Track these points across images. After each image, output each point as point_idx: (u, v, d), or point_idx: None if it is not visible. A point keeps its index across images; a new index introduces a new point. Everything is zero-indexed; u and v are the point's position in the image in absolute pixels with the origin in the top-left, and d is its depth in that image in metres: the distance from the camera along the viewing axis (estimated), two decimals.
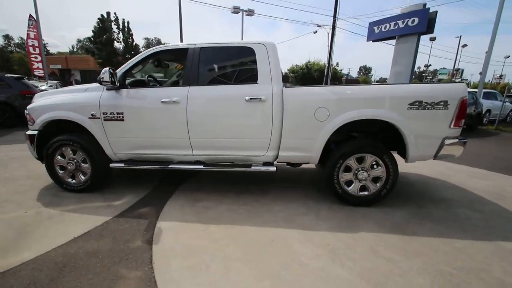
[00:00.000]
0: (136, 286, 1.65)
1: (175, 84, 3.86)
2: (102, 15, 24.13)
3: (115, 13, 24.78)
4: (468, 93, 2.74)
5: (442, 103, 2.52)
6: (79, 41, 61.16)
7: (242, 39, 19.68)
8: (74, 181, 3.04)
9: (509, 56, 41.33)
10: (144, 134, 2.85)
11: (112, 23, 24.77)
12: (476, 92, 9.76)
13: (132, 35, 25.81)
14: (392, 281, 1.71)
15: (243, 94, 2.66)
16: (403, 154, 2.81)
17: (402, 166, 2.76)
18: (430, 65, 41.73)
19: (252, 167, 2.81)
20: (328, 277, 1.74)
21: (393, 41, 13.56)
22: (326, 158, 2.82)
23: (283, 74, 2.87)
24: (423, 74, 53.92)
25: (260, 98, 2.63)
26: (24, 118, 3.18)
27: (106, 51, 24.02)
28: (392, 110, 2.56)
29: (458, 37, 34.52)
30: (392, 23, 12.90)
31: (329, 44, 16.95)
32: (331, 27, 16.40)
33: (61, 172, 3.03)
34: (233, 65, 2.98)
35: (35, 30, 13.90)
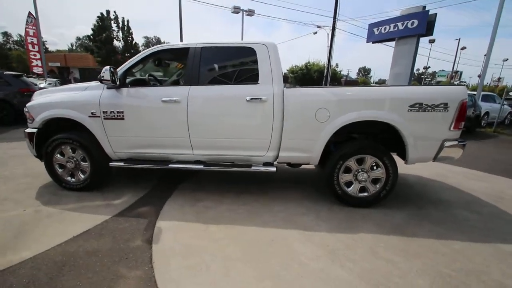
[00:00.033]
0: (136, 285, 1.64)
1: (176, 83, 3.86)
2: (101, 13, 24.10)
3: (114, 12, 24.77)
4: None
5: (442, 105, 2.53)
6: (78, 39, 61.04)
7: (242, 39, 19.68)
8: (73, 179, 3.03)
9: (507, 59, 41.63)
10: (144, 133, 2.85)
11: (112, 22, 24.73)
12: (474, 94, 9.80)
13: (131, 33, 25.81)
14: (392, 282, 1.71)
15: (244, 94, 2.66)
16: (403, 156, 2.83)
17: (401, 167, 2.77)
18: (429, 67, 41.89)
19: (252, 167, 2.81)
20: (328, 278, 1.74)
21: (393, 43, 13.62)
22: (325, 159, 2.83)
23: (283, 74, 2.87)
24: (422, 76, 54.14)
25: (261, 99, 2.63)
26: (23, 116, 3.16)
27: (105, 49, 23.99)
28: (393, 111, 2.57)
29: (457, 39, 34.66)
30: (392, 25, 12.95)
31: (329, 45, 16.99)
32: (331, 28, 16.43)
33: (60, 170, 3.02)
34: (234, 65, 2.97)
35: (34, 27, 13.83)
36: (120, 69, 2.87)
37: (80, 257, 1.89)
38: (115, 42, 25.33)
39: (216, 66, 3.02)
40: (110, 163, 2.97)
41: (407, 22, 12.13)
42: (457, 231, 2.40)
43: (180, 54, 3.16)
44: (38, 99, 3.09)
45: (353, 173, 2.77)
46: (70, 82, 19.05)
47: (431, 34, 11.90)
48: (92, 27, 24.15)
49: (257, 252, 2.00)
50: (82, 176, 3.02)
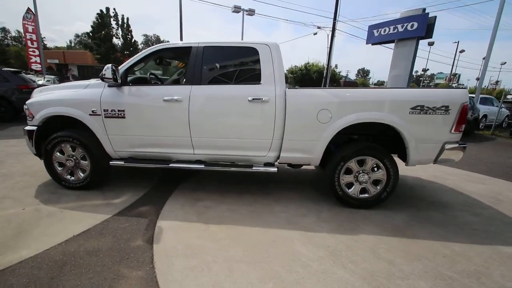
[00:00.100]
0: (137, 286, 1.63)
1: (176, 82, 3.85)
2: (101, 10, 23.94)
3: (114, 9, 24.62)
4: None
5: (443, 108, 2.54)
6: (77, 36, 60.71)
7: (242, 39, 19.66)
8: (73, 178, 3.01)
9: (505, 62, 42.01)
10: (145, 132, 2.83)
11: (111, 19, 24.58)
12: (473, 97, 9.87)
13: (131, 31, 25.67)
14: (394, 284, 1.72)
15: (246, 95, 2.66)
16: (404, 158, 2.84)
17: (400, 169, 2.78)
18: (428, 69, 42.07)
19: (253, 168, 2.81)
20: (330, 279, 1.74)
21: (392, 45, 13.68)
22: (326, 160, 2.83)
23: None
24: (421, 78, 54.41)
25: (263, 99, 2.63)
26: (22, 113, 3.14)
27: (104, 47, 23.83)
28: (394, 113, 2.58)
29: (455, 42, 34.88)
30: (392, 27, 13.02)
31: (329, 46, 17.02)
32: (331, 29, 16.46)
33: (59, 169, 2.99)
34: (236, 65, 2.97)
35: (33, 23, 13.73)
36: (122, 67, 2.85)
37: (81, 257, 1.87)
38: (115, 40, 25.19)
39: (218, 65, 3.01)
40: (110, 162, 2.95)
41: (407, 24, 12.20)
42: (457, 233, 2.41)
43: (182, 53, 3.15)
44: (38, 96, 3.06)
45: (354, 174, 2.77)
46: (68, 79, 18.93)
47: (431, 37, 11.98)
48: (92, 24, 24.00)
49: (259, 253, 1.99)
50: (82, 174, 3.00)
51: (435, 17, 11.53)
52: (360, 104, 2.62)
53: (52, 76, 17.19)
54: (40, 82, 11.43)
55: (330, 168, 2.76)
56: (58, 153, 2.94)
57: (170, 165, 2.88)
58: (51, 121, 2.99)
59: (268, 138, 2.73)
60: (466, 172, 4.50)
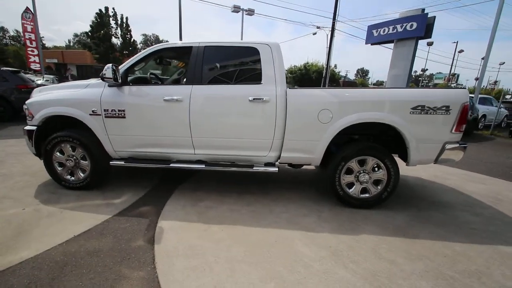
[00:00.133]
0: (139, 286, 1.63)
1: (177, 82, 3.84)
2: (100, 10, 23.89)
3: (113, 8, 24.57)
4: None
5: (444, 108, 2.55)
6: (75, 35, 60.47)
7: (241, 38, 19.66)
8: (73, 178, 3.00)
9: (504, 62, 42.14)
10: (145, 132, 2.83)
11: (110, 18, 24.53)
12: (472, 97, 9.90)
13: (130, 31, 25.63)
14: (396, 284, 1.72)
15: (247, 94, 2.66)
16: (404, 158, 2.84)
17: (401, 169, 2.78)
18: (426, 69, 42.15)
19: (254, 168, 2.80)
20: (332, 279, 1.74)
21: (391, 45, 13.71)
22: (327, 160, 2.83)
23: None
24: (419, 78, 54.53)
25: (264, 99, 2.63)
26: (21, 113, 3.13)
27: (103, 46, 23.78)
28: (395, 113, 2.58)
29: (454, 42, 34.94)
30: (391, 27, 13.05)
31: (328, 46, 17.03)
32: (330, 29, 16.47)
33: (59, 169, 2.98)
34: (237, 64, 2.96)
35: (32, 23, 13.68)
36: (122, 67, 2.84)
37: (82, 257, 1.87)
38: (113, 39, 25.14)
39: (219, 65, 3.00)
40: (110, 162, 2.94)
41: (406, 25, 12.22)
42: (458, 233, 2.42)
43: (183, 52, 3.14)
44: (38, 96, 3.05)
45: (355, 174, 2.78)
46: (67, 79, 18.88)
47: (430, 37, 12.01)
48: (90, 23, 23.93)
49: (261, 253, 1.99)
50: (82, 174, 2.99)
51: (434, 17, 11.57)
52: (360, 104, 2.62)
53: (51, 76, 17.12)
54: (39, 82, 11.39)
55: (331, 168, 2.76)
56: (58, 153, 2.93)
57: (171, 165, 2.87)
58: (51, 121, 2.98)
59: (269, 138, 2.73)
60: (466, 172, 4.51)
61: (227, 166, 2.86)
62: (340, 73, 41.73)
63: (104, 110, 2.78)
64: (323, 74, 18.85)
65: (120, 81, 2.70)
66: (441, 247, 2.16)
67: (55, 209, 2.53)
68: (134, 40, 26.42)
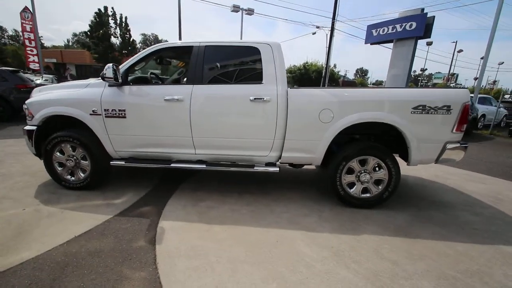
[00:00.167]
0: (140, 287, 1.62)
1: (177, 82, 3.83)
2: (99, 9, 23.82)
3: (112, 8, 24.50)
4: None
5: (445, 107, 2.55)
6: (74, 35, 60.35)
7: (241, 38, 19.63)
8: (73, 178, 2.99)
9: (503, 62, 42.19)
10: (146, 132, 2.82)
11: (110, 18, 24.46)
12: (472, 97, 9.92)
13: (129, 30, 25.56)
14: (398, 284, 1.72)
15: (248, 94, 2.65)
16: (405, 157, 2.84)
17: (402, 168, 2.79)
18: (426, 69, 42.22)
19: (255, 168, 2.80)
20: (334, 279, 1.74)
21: (391, 45, 13.71)
22: (328, 160, 2.83)
23: None
24: (419, 78, 54.62)
25: (265, 99, 2.62)
26: (20, 113, 3.11)
27: (102, 46, 23.71)
28: (396, 113, 2.57)
29: (454, 42, 35.01)
30: (390, 27, 13.05)
31: (328, 46, 17.03)
32: (330, 28, 16.47)
33: (59, 169, 2.97)
34: (237, 64, 2.95)
35: (31, 23, 13.64)
36: (123, 67, 2.83)
37: (83, 258, 1.86)
38: (113, 39, 25.06)
39: (219, 65, 3.00)
40: (111, 162, 2.93)
41: (405, 24, 12.23)
42: (459, 232, 2.42)
43: (184, 52, 3.13)
44: (37, 96, 3.04)
45: (356, 174, 2.77)
46: (66, 79, 18.81)
47: (429, 37, 12.02)
48: (90, 23, 23.86)
49: (262, 253, 1.99)
50: (82, 175, 2.97)
51: (434, 17, 11.58)
52: (362, 104, 2.62)
53: (50, 76, 17.04)
54: (38, 82, 11.36)
55: (332, 168, 2.76)
56: (58, 153, 2.92)
57: (171, 165, 2.86)
58: (51, 121, 2.96)
59: (270, 138, 2.73)
60: (466, 172, 4.51)
61: (228, 166, 2.86)
62: (339, 73, 41.82)
63: (105, 110, 2.77)
64: (323, 74, 18.86)
65: (120, 80, 2.69)
66: (443, 247, 2.16)
67: (56, 209, 2.52)
68: (133, 39, 26.35)
